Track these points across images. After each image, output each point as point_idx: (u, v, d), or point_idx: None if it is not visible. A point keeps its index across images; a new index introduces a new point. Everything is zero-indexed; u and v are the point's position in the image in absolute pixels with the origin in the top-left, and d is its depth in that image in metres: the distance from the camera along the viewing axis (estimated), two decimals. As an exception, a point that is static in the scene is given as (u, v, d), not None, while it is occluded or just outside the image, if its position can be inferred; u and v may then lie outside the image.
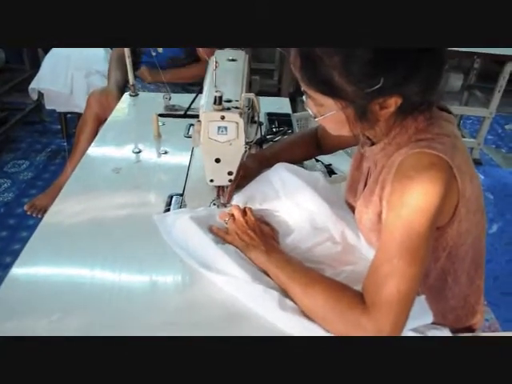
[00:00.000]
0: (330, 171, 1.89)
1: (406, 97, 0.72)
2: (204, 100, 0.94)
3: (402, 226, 0.69)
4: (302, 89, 0.78)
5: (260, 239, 0.86)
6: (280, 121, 1.42)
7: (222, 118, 0.86)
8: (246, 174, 1.03)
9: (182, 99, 1.47)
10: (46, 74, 2.60)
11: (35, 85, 2.63)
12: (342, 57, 0.68)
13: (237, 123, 0.87)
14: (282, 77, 3.39)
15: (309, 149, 1.16)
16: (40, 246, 0.91)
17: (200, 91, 2.06)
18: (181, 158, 1.20)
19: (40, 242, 0.92)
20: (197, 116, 1.40)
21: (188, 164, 1.17)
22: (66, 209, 0.99)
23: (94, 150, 1.23)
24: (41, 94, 2.73)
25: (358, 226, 0.92)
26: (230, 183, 0.95)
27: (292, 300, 0.76)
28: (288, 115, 1.47)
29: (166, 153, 1.22)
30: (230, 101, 0.90)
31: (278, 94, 3.34)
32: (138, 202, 1.02)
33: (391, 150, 0.80)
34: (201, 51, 1.87)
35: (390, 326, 0.66)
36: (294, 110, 3.04)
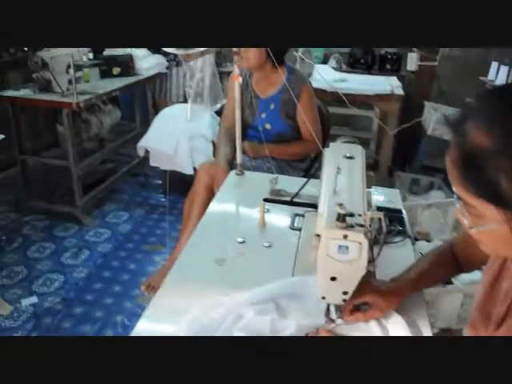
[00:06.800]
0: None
1: None
2: (324, 209, 0.88)
3: None
4: (455, 191, 0.69)
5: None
6: (390, 217, 1.31)
7: (345, 236, 0.79)
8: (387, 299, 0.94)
9: (288, 183, 1.44)
10: (154, 134, 2.78)
11: (144, 143, 2.81)
12: None
13: (360, 243, 0.79)
14: (381, 149, 3.29)
15: (451, 269, 1.02)
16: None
17: (306, 175, 2.05)
18: (286, 254, 1.14)
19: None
20: (303, 204, 1.37)
21: (293, 262, 1.10)
22: (167, 304, 0.97)
23: (198, 236, 1.22)
24: (147, 151, 2.91)
25: None
26: (343, 303, 0.87)
27: None
28: (399, 211, 1.36)
29: (270, 246, 1.17)
30: (352, 215, 0.84)
31: (374, 166, 3.23)
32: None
33: None
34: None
35: None
36: (391, 187, 2.92)
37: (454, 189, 0.68)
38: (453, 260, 1.02)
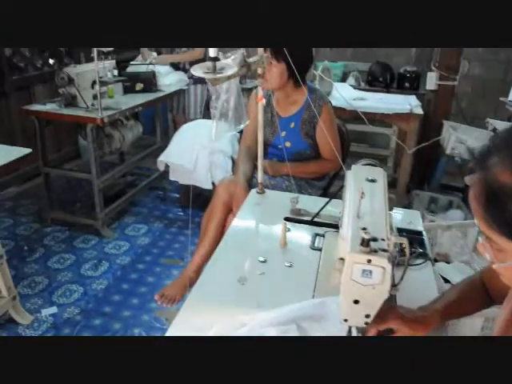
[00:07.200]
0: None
1: None
2: (347, 233, 0.89)
3: None
4: (476, 223, 0.69)
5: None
6: (410, 239, 1.31)
7: (369, 261, 0.80)
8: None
9: (308, 202, 1.46)
10: (174, 149, 2.82)
11: (164, 158, 2.86)
12: None
13: (384, 268, 0.80)
14: (399, 167, 3.28)
15: (481, 301, 1.01)
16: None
17: (324, 193, 2.06)
18: (306, 275, 1.15)
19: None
20: (323, 224, 1.38)
21: (314, 283, 1.11)
22: (190, 321, 0.98)
23: (220, 253, 1.24)
24: (166, 166, 2.95)
25: None
26: (365, 325, 0.87)
27: None
28: (420, 233, 1.37)
29: (290, 266, 1.19)
30: (375, 239, 0.85)
31: (393, 183, 3.23)
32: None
33: None
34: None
35: None
36: (409, 205, 2.90)
37: (476, 222, 0.68)
38: (483, 291, 1.00)
